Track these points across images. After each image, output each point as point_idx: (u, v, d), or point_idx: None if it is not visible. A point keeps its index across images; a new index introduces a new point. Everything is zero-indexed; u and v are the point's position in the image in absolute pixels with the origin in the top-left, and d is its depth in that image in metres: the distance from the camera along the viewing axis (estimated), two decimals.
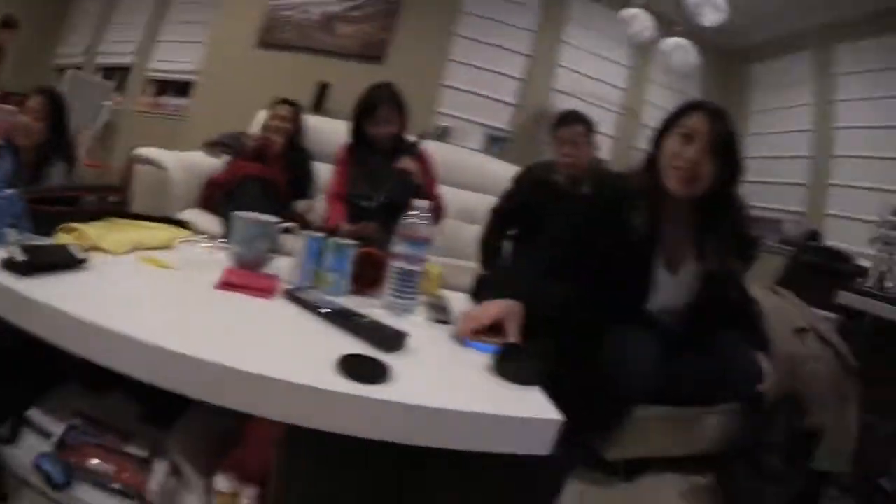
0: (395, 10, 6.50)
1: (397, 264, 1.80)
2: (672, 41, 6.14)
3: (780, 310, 3.15)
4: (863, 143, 5.61)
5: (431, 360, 1.47)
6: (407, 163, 3.34)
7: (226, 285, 1.69)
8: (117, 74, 8.45)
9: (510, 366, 1.40)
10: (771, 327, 2.93)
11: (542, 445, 1.24)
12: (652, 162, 2.28)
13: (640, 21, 6.01)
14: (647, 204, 2.26)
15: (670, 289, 2.39)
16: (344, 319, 1.52)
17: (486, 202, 4.02)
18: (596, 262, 2.30)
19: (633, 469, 2.77)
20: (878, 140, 5.43)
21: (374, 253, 2.00)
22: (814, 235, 5.63)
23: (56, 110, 3.19)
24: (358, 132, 3.64)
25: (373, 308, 1.78)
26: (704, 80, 7.30)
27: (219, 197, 3.82)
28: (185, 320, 1.38)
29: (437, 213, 3.53)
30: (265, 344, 1.35)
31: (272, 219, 2.06)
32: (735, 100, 7.24)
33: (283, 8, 6.83)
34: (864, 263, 4.28)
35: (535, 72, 6.58)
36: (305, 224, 3.42)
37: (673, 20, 6.36)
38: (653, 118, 6.84)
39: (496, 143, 6.42)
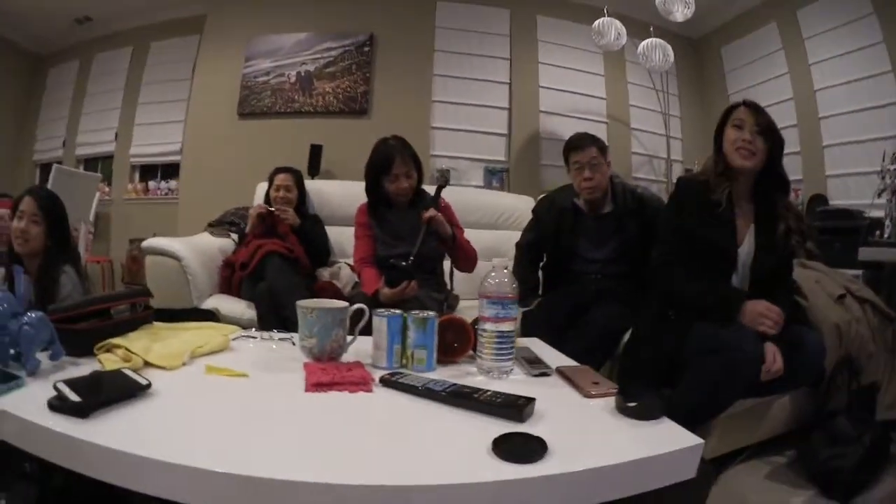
0: (369, 60, 6.54)
1: (490, 327, 1.74)
2: (647, 43, 6.12)
3: (817, 282, 3.34)
4: (844, 98, 5.69)
5: (563, 418, 1.43)
6: (434, 214, 3.19)
7: (317, 386, 1.57)
8: (100, 164, 8.55)
9: (635, 405, 1.43)
10: (814, 303, 3.16)
11: (689, 470, 1.26)
12: (718, 152, 2.79)
13: (613, 30, 6.02)
14: (724, 182, 2.73)
15: (738, 264, 2.80)
16: (463, 398, 1.45)
17: (502, 238, 4.10)
18: (692, 246, 2.76)
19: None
20: (858, 92, 5.53)
21: (458, 319, 1.97)
22: (819, 200, 5.70)
23: (52, 210, 2.95)
24: (374, 190, 3.53)
25: (470, 376, 1.76)
26: (680, 73, 7.30)
27: (240, 279, 3.81)
28: (293, 440, 1.24)
29: (473, 259, 3.48)
30: (404, 446, 1.24)
31: (341, 304, 1.98)
32: (712, 86, 7.33)
33: (258, 75, 6.86)
34: (875, 214, 4.47)
35: (518, 98, 6.61)
36: (337, 293, 3.52)
37: (643, 22, 6.39)
38: (639, 120, 7.04)
39: (495, 176, 6.43)
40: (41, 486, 1.55)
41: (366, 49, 6.57)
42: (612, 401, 1.48)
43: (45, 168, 8.89)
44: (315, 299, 2.07)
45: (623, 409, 1.43)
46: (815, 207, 5.46)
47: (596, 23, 6.03)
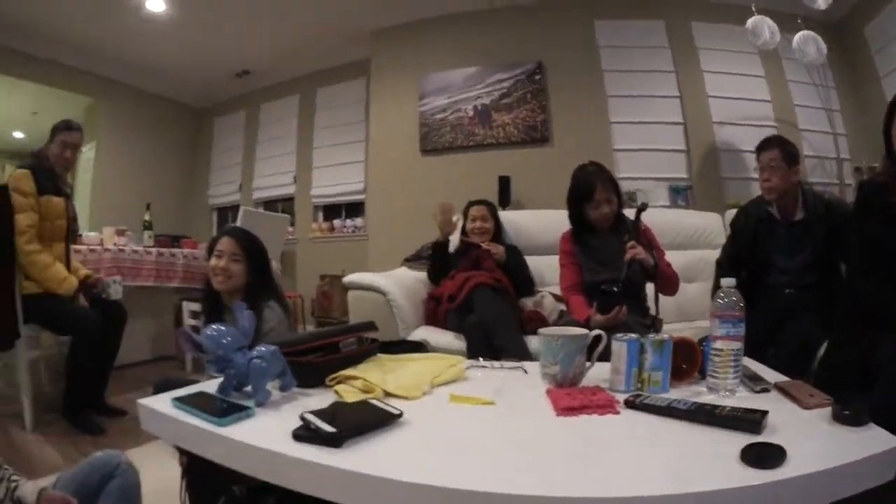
0: (542, 88, 6.48)
1: (723, 346, 1.81)
2: (800, 36, 5.89)
3: None
4: None
5: (789, 428, 1.49)
6: (635, 254, 3.16)
7: (568, 410, 1.64)
8: (279, 205, 9.01)
9: (847, 413, 1.50)
10: None
11: (890, 472, 1.31)
12: (889, 151, 2.65)
13: (766, 27, 5.80)
14: None
15: None
16: (705, 414, 1.53)
17: (694, 257, 4.11)
18: (876, 251, 2.65)
19: None
20: None
21: (688, 341, 1.99)
22: None
23: (252, 249, 3.04)
24: (578, 218, 3.55)
25: (699, 395, 1.82)
26: (831, 63, 6.82)
27: (447, 310, 3.89)
28: (553, 460, 1.34)
29: (675, 282, 3.48)
30: (660, 460, 1.34)
31: (582, 331, 2.03)
32: (864, 71, 6.81)
33: (434, 112, 6.97)
34: None
35: (690, 111, 6.39)
36: (544, 322, 3.54)
37: (786, 14, 6.11)
38: (804, 120, 6.64)
39: (680, 195, 6.23)
40: None
41: (537, 77, 6.55)
42: (827, 410, 1.55)
43: (221, 211, 9.80)
44: (557, 327, 2.15)
45: (838, 417, 1.52)
46: None
47: (749, 22, 5.82)
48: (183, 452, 1.86)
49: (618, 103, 6.40)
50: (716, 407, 1.56)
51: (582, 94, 6.46)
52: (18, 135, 12.21)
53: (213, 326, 1.87)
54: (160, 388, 2.13)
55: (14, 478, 1.69)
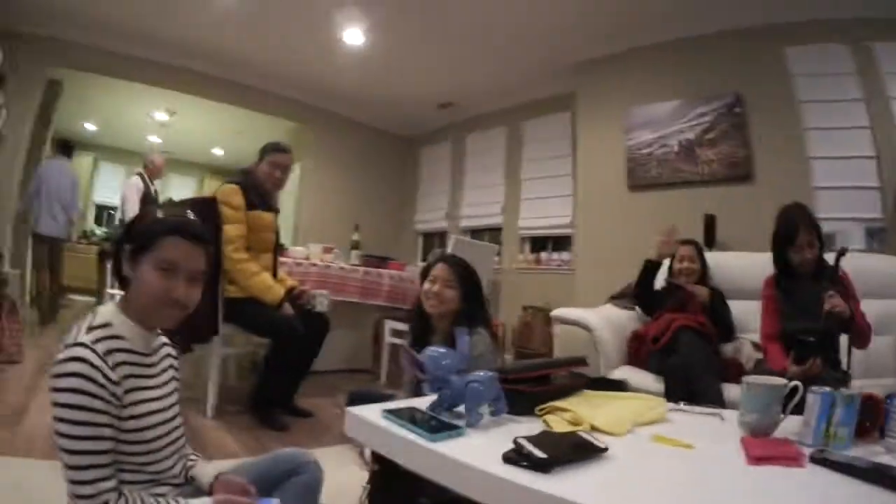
0: (742, 122, 6.17)
1: None
2: None
3: None
4: None
5: None
6: (835, 300, 3.10)
7: (759, 460, 1.67)
8: (485, 235, 9.20)
9: None
10: None
11: None
12: None
13: None
14: None
15: None
16: (884, 476, 1.53)
17: (887, 308, 3.88)
18: None
19: None
20: None
21: (876, 398, 1.97)
22: None
23: (466, 276, 3.17)
24: (781, 261, 3.54)
25: (877, 455, 1.80)
26: None
27: (650, 351, 3.95)
28: None
29: (867, 335, 3.36)
30: None
31: (781, 381, 2.06)
32: None
33: (641, 147, 6.89)
34: None
35: (881, 143, 5.72)
36: (741, 370, 3.59)
37: None
38: None
39: (875, 237, 5.62)
40: None
41: (737, 110, 6.23)
42: None
43: (427, 237, 10.38)
44: (757, 376, 2.18)
45: None
46: None
47: None
48: (375, 461, 2.02)
49: (814, 136, 5.94)
50: (889, 468, 1.59)
51: (780, 128, 6.06)
52: (218, 152, 13.61)
53: (434, 348, 1.97)
54: (355, 398, 2.39)
55: (193, 456, 1.89)
